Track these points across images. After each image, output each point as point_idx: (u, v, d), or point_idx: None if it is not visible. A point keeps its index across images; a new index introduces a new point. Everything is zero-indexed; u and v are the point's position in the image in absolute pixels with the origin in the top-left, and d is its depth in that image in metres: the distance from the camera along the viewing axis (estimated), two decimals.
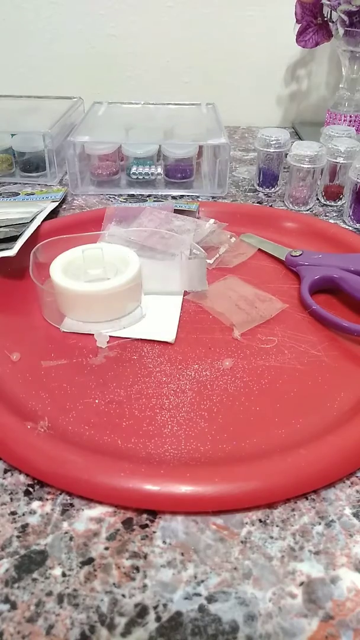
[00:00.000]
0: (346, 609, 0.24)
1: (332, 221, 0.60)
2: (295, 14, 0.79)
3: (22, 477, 0.30)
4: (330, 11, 0.78)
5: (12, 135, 0.70)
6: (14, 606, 0.24)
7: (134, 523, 0.28)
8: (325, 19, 0.79)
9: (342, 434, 0.31)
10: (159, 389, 0.36)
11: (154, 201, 0.63)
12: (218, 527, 0.28)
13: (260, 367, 0.38)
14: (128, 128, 0.71)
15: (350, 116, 0.80)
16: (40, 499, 0.29)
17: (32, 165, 0.71)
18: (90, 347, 0.40)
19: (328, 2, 0.75)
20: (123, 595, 0.25)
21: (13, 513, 0.28)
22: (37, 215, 0.55)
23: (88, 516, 0.28)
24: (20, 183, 0.71)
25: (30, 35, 0.91)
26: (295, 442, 0.31)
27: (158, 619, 0.24)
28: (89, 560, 0.26)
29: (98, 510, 0.29)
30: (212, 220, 0.55)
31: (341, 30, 0.74)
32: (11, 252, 0.46)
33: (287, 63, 0.95)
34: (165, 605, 0.24)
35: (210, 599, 0.25)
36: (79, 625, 0.24)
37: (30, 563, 0.26)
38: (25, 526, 0.28)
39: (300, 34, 0.81)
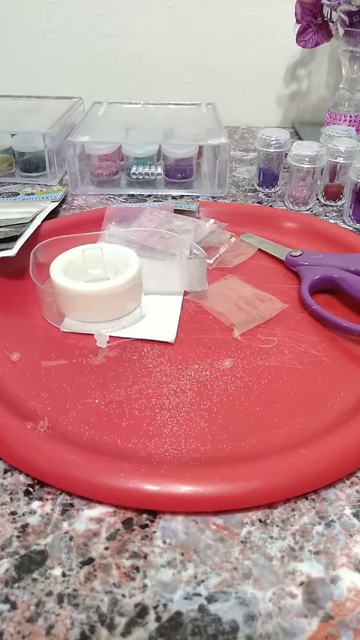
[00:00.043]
0: (346, 609, 0.24)
1: (332, 221, 0.60)
2: (295, 14, 0.79)
3: (22, 477, 0.30)
4: (330, 11, 0.78)
5: (12, 135, 0.70)
6: (14, 606, 0.24)
7: (134, 523, 0.28)
8: (325, 19, 0.79)
9: (342, 434, 0.31)
10: (159, 389, 0.36)
11: (154, 201, 0.63)
12: (218, 527, 0.28)
13: (260, 367, 0.38)
14: (128, 128, 0.71)
15: (350, 116, 0.80)
16: (40, 499, 0.29)
17: (32, 165, 0.71)
18: (90, 347, 0.40)
19: (328, 2, 0.75)
20: (123, 595, 0.25)
21: (13, 513, 0.28)
22: (37, 215, 0.55)
23: (88, 516, 0.28)
24: (20, 183, 0.71)
25: (30, 35, 0.91)
26: (295, 442, 0.31)
27: (158, 619, 0.24)
28: (89, 560, 0.26)
29: (98, 510, 0.29)
30: (212, 220, 0.55)
31: (341, 30, 0.74)
32: (11, 252, 0.46)
33: (287, 63, 0.95)
34: (165, 605, 0.24)
35: (210, 599, 0.25)
36: (79, 625, 0.24)
37: (30, 563, 0.26)
38: (25, 526, 0.28)
39: (300, 34, 0.81)
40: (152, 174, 0.68)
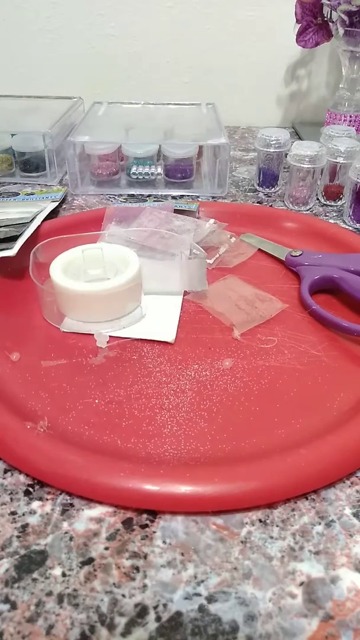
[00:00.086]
0: (346, 609, 0.24)
1: (332, 221, 0.60)
2: (295, 14, 0.79)
3: (22, 477, 0.30)
4: (330, 11, 0.78)
5: (12, 135, 0.70)
6: (14, 606, 0.24)
7: (134, 523, 0.28)
8: (325, 19, 0.79)
9: (342, 434, 0.31)
10: (159, 389, 0.36)
11: (154, 201, 0.63)
12: (218, 527, 0.28)
13: (260, 367, 0.38)
14: (128, 128, 0.71)
15: (350, 116, 0.80)
16: (40, 499, 0.29)
17: (32, 165, 0.71)
18: (90, 347, 0.40)
19: (328, 2, 0.75)
20: (123, 595, 0.25)
21: (13, 513, 0.28)
22: (37, 215, 0.55)
23: (88, 516, 0.28)
24: (20, 183, 0.71)
25: (30, 35, 0.91)
26: (295, 442, 0.31)
27: (158, 619, 0.24)
28: (89, 560, 0.26)
29: (98, 510, 0.29)
30: (212, 220, 0.55)
31: (341, 30, 0.74)
32: (11, 252, 0.46)
33: (287, 63, 0.95)
34: (165, 605, 0.24)
35: (210, 599, 0.25)
36: (79, 625, 0.24)
37: (30, 563, 0.26)
38: (25, 526, 0.28)
39: (300, 34, 0.81)
40: (152, 174, 0.68)
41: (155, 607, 0.24)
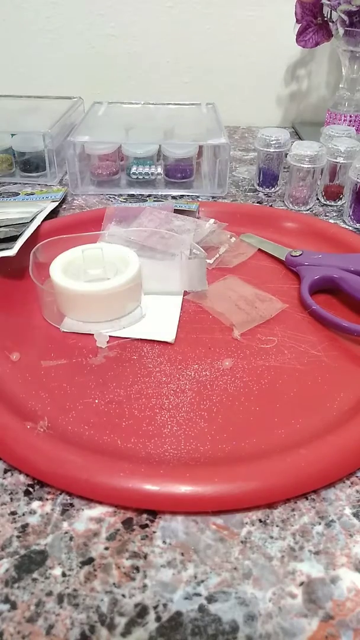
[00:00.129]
0: (346, 609, 0.24)
1: (332, 221, 0.60)
2: (295, 14, 0.79)
3: (22, 477, 0.30)
4: (330, 11, 0.78)
5: (12, 135, 0.70)
6: (14, 606, 0.24)
7: (134, 523, 0.28)
8: (325, 19, 0.79)
9: (342, 434, 0.31)
10: (159, 389, 0.36)
11: (154, 201, 0.63)
12: (218, 527, 0.28)
13: (260, 367, 0.38)
14: (128, 128, 0.71)
15: (350, 116, 0.80)
16: (40, 499, 0.29)
17: (32, 165, 0.71)
18: (90, 347, 0.40)
19: (328, 2, 0.75)
20: (123, 595, 0.25)
21: (13, 513, 0.28)
22: (37, 215, 0.55)
23: (88, 516, 0.28)
24: (20, 183, 0.71)
25: (30, 35, 0.91)
26: (295, 442, 0.31)
27: (158, 619, 0.24)
28: (89, 560, 0.26)
29: (98, 510, 0.29)
30: (212, 220, 0.55)
31: (341, 30, 0.74)
32: (11, 252, 0.46)
33: (287, 63, 0.95)
34: (165, 605, 0.24)
35: (210, 599, 0.25)
36: (79, 625, 0.24)
37: (30, 563, 0.26)
38: (25, 526, 0.28)
39: (300, 34, 0.81)
40: (152, 173, 0.68)
41: (155, 607, 0.24)
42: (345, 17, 0.72)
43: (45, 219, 0.55)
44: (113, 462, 0.30)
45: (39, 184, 0.70)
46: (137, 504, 0.29)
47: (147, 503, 0.28)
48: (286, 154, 0.62)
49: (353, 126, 0.80)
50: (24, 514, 0.28)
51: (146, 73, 0.95)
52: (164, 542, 0.27)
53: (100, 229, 0.53)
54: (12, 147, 0.70)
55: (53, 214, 0.59)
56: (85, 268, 0.44)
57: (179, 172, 0.68)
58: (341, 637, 0.23)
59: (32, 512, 0.29)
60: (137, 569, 0.26)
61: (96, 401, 0.35)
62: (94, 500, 0.29)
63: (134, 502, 0.28)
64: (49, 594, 0.25)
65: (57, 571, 0.26)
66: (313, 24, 0.80)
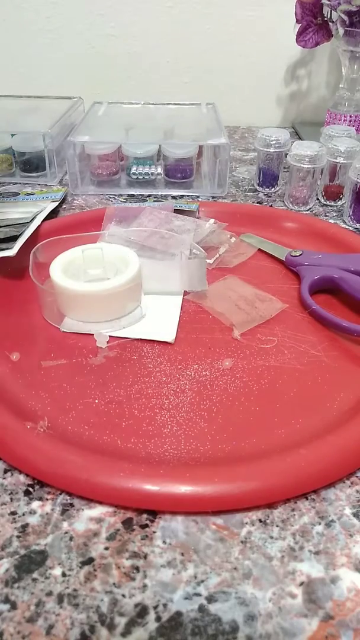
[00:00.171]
0: (346, 609, 0.24)
1: (332, 221, 0.60)
2: (295, 14, 0.79)
3: (22, 477, 0.30)
4: (330, 11, 0.78)
5: (12, 135, 0.70)
6: (14, 606, 0.24)
7: (134, 523, 0.28)
8: (325, 19, 0.79)
9: (342, 434, 0.31)
10: (159, 389, 0.36)
11: (154, 201, 0.63)
12: (218, 527, 0.28)
13: (260, 367, 0.38)
14: (128, 128, 0.71)
15: (350, 116, 0.80)
16: (40, 499, 0.29)
17: (32, 165, 0.71)
18: (90, 347, 0.40)
19: (328, 2, 0.75)
20: (123, 595, 0.25)
21: (13, 513, 0.28)
22: (37, 215, 0.55)
23: (88, 516, 0.28)
24: (20, 183, 0.71)
25: (30, 35, 0.91)
26: (295, 442, 0.31)
27: (158, 619, 0.24)
28: (89, 560, 0.26)
29: (98, 510, 0.29)
30: (212, 220, 0.55)
31: (341, 30, 0.74)
32: (11, 252, 0.46)
33: (287, 63, 0.95)
34: (165, 605, 0.24)
35: (210, 599, 0.25)
36: (79, 625, 0.24)
37: (30, 563, 0.26)
38: (25, 526, 0.28)
39: (300, 34, 0.81)
40: (152, 174, 0.68)
41: (155, 607, 0.24)
42: (345, 17, 0.72)
43: (45, 219, 0.55)
44: (113, 462, 0.30)
45: (39, 184, 0.70)
46: (137, 504, 0.29)
47: (147, 503, 0.28)
48: (286, 154, 0.62)
49: (353, 126, 0.80)
50: (24, 514, 0.28)
51: (146, 73, 0.95)
52: (164, 542, 0.27)
53: (100, 229, 0.53)
54: (12, 147, 0.70)
55: (53, 214, 0.59)
56: (85, 268, 0.44)
57: (179, 172, 0.68)
58: (341, 637, 0.23)
59: (32, 512, 0.29)
60: (137, 569, 0.26)
61: (96, 401, 0.35)
62: (94, 500, 0.29)
63: (134, 502, 0.28)
64: (49, 594, 0.25)
65: (57, 571, 0.26)
66: (313, 24, 0.80)
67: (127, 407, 0.35)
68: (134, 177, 0.68)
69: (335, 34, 0.76)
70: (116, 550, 0.27)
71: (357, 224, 0.59)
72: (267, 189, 0.68)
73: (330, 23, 0.78)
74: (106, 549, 0.27)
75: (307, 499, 0.29)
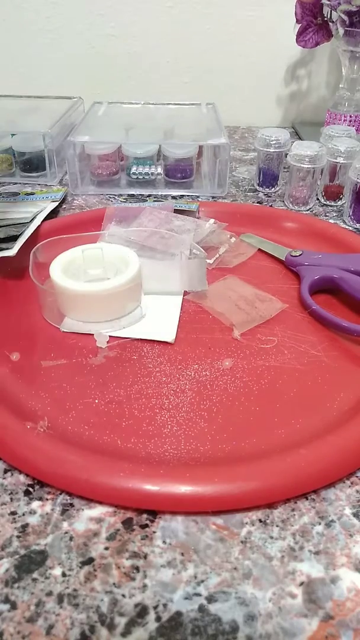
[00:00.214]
0: (346, 609, 0.24)
1: (332, 221, 0.60)
2: (295, 14, 0.79)
3: (22, 477, 0.30)
4: (330, 11, 0.78)
5: (12, 135, 0.70)
6: (14, 606, 0.24)
7: (134, 523, 0.28)
8: (325, 19, 0.79)
9: (342, 434, 0.31)
10: (159, 389, 0.36)
11: (154, 201, 0.63)
12: (218, 527, 0.28)
13: (260, 367, 0.38)
14: (128, 128, 0.71)
15: (350, 116, 0.80)
16: (40, 499, 0.29)
17: (32, 165, 0.71)
18: (90, 347, 0.40)
19: (328, 2, 0.75)
20: (123, 595, 0.25)
21: (13, 513, 0.28)
22: (37, 215, 0.55)
23: (88, 516, 0.28)
24: (20, 183, 0.71)
25: (30, 35, 0.91)
26: (295, 442, 0.31)
27: (158, 619, 0.24)
28: (89, 560, 0.26)
29: (98, 510, 0.29)
30: (212, 220, 0.55)
31: (341, 30, 0.74)
32: (11, 252, 0.46)
33: (287, 63, 0.95)
34: (165, 605, 0.24)
35: (210, 599, 0.25)
36: (79, 625, 0.24)
37: (30, 563, 0.26)
38: (25, 526, 0.28)
39: (300, 34, 0.81)
40: (152, 174, 0.68)
41: (155, 607, 0.24)
42: (345, 17, 0.72)
43: (45, 219, 0.55)
44: (113, 462, 0.30)
45: (39, 184, 0.70)
46: (137, 504, 0.29)
47: (147, 503, 0.28)
48: (286, 154, 0.62)
49: (353, 126, 0.80)
50: (24, 514, 0.28)
51: (146, 73, 0.95)
52: (164, 542, 0.27)
53: (100, 229, 0.53)
54: (12, 147, 0.70)
55: (53, 214, 0.59)
56: (85, 268, 0.44)
57: (179, 172, 0.68)
58: (341, 637, 0.23)
59: (32, 512, 0.29)
60: (137, 569, 0.26)
61: (96, 401, 0.35)
62: (94, 500, 0.29)
63: (134, 502, 0.28)
64: (49, 594, 0.25)
65: (57, 571, 0.26)
66: (313, 24, 0.80)
67: (127, 407, 0.35)
68: (134, 177, 0.68)
69: (335, 34, 0.76)
70: (116, 550, 0.27)
71: (357, 224, 0.59)
72: (267, 189, 0.68)
73: (330, 23, 0.78)
74: (106, 549, 0.27)
75: (307, 499, 0.29)
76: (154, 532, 0.28)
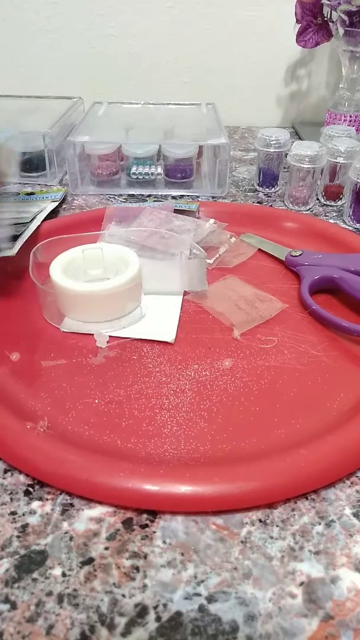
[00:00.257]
0: (346, 609, 0.24)
1: (332, 221, 0.60)
2: (295, 14, 0.79)
3: (22, 477, 0.30)
4: (330, 11, 0.78)
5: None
6: (14, 606, 0.24)
7: (134, 523, 0.28)
8: (325, 19, 0.79)
9: (342, 434, 0.31)
10: (159, 389, 0.36)
11: (154, 201, 0.63)
12: (218, 527, 0.28)
13: (260, 367, 0.38)
14: (128, 128, 0.71)
15: (350, 116, 0.80)
16: (40, 499, 0.29)
17: (32, 165, 0.71)
18: (90, 347, 0.40)
19: (328, 2, 0.75)
20: (123, 595, 0.25)
21: (13, 513, 0.28)
22: (37, 215, 0.55)
23: (88, 516, 0.28)
24: (20, 183, 0.71)
25: (30, 35, 0.91)
26: (295, 442, 0.31)
27: (158, 619, 0.24)
28: (89, 560, 0.26)
29: (98, 510, 0.29)
30: (212, 220, 0.55)
31: (341, 30, 0.74)
32: (11, 252, 0.46)
33: (287, 63, 0.95)
34: (165, 605, 0.24)
35: (210, 599, 0.25)
36: (79, 625, 0.24)
37: (30, 563, 0.26)
38: (25, 526, 0.28)
39: (300, 34, 0.81)
40: (152, 174, 0.68)
41: (155, 607, 0.24)
42: (345, 17, 0.72)
43: (45, 219, 0.55)
44: (113, 462, 0.30)
45: (39, 184, 0.70)
46: (137, 504, 0.29)
47: (147, 503, 0.28)
48: (286, 154, 0.62)
49: (353, 126, 0.80)
50: (24, 514, 0.28)
51: (146, 73, 0.95)
52: (164, 542, 0.27)
53: (100, 229, 0.53)
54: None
55: (53, 214, 0.59)
56: (85, 268, 0.44)
57: (179, 172, 0.68)
58: (341, 637, 0.23)
59: (32, 512, 0.29)
60: (137, 569, 0.26)
61: (96, 401, 0.35)
62: (94, 500, 0.29)
63: (134, 502, 0.28)
64: (49, 594, 0.25)
65: (57, 571, 0.26)
66: (313, 24, 0.80)
67: (127, 407, 0.35)
68: (134, 177, 0.68)
69: (335, 34, 0.76)
70: (116, 550, 0.27)
71: (357, 224, 0.59)
72: (267, 189, 0.68)
73: (330, 23, 0.78)
74: (106, 549, 0.27)
75: (307, 499, 0.29)
76: (154, 532, 0.28)
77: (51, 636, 0.23)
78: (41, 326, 0.43)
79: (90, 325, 0.41)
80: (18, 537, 0.27)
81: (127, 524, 0.28)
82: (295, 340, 0.41)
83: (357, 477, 0.31)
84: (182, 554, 0.27)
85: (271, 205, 0.65)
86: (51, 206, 0.58)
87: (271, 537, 0.27)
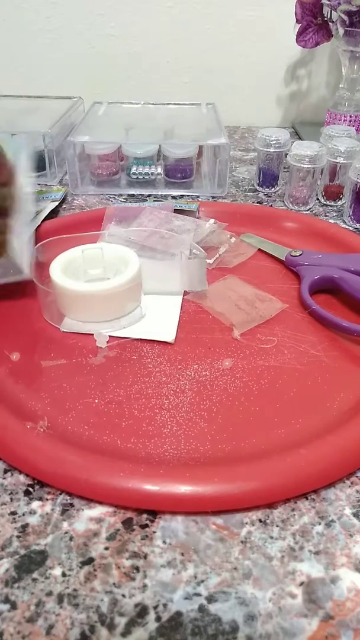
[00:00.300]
0: (346, 609, 0.24)
1: (332, 221, 0.60)
2: (295, 14, 0.79)
3: (22, 477, 0.30)
4: (330, 11, 0.78)
5: (12, 135, 0.70)
6: (14, 606, 0.24)
7: (134, 523, 0.28)
8: (325, 19, 0.79)
9: (342, 434, 0.31)
10: (159, 389, 0.36)
11: (154, 201, 0.63)
12: (218, 527, 0.28)
13: (260, 367, 0.38)
14: (128, 128, 0.71)
15: (350, 116, 0.80)
16: (40, 499, 0.29)
17: (32, 165, 0.71)
18: (90, 347, 0.40)
19: (328, 2, 0.75)
20: (123, 595, 0.25)
21: (13, 513, 0.28)
22: (37, 215, 0.55)
23: (88, 516, 0.28)
24: None
25: (30, 35, 0.91)
26: (295, 442, 0.31)
27: (158, 619, 0.24)
28: (89, 560, 0.26)
29: (98, 510, 0.29)
30: (212, 220, 0.55)
31: (341, 30, 0.74)
32: (29, 275, 0.46)
33: (287, 63, 0.95)
34: (165, 605, 0.24)
35: (210, 599, 0.25)
36: (79, 625, 0.24)
37: (30, 563, 0.26)
38: (25, 526, 0.28)
39: (300, 34, 0.81)
40: (152, 173, 0.68)
41: (155, 607, 0.24)
42: (345, 17, 0.72)
43: (45, 219, 0.55)
44: (113, 462, 0.30)
45: (39, 184, 0.70)
46: (137, 504, 0.29)
47: (147, 503, 0.28)
48: (286, 154, 0.62)
49: (353, 126, 0.80)
50: (24, 514, 0.28)
51: (146, 73, 0.95)
52: (164, 542, 0.27)
53: (100, 229, 0.53)
54: None
55: (53, 214, 0.59)
56: (85, 268, 0.44)
57: (179, 172, 0.68)
58: (341, 637, 0.23)
59: (32, 512, 0.29)
60: (137, 569, 0.26)
61: (96, 401, 0.35)
62: (94, 500, 0.29)
63: (134, 502, 0.28)
64: (49, 594, 0.25)
65: (57, 571, 0.26)
66: (313, 24, 0.80)
67: (127, 407, 0.35)
68: (134, 177, 0.68)
69: (335, 34, 0.76)
70: (116, 550, 0.27)
71: (357, 224, 0.59)
72: (267, 189, 0.68)
73: (330, 23, 0.78)
74: (106, 549, 0.27)
75: (307, 499, 0.29)
76: (154, 532, 0.28)
77: (51, 636, 0.23)
78: (41, 326, 0.43)
79: (90, 325, 0.41)
80: (18, 537, 0.27)
81: (127, 524, 0.28)
82: (295, 340, 0.41)
83: (357, 477, 0.31)
84: (182, 554, 0.27)
85: (271, 205, 0.65)
86: (51, 206, 0.58)
87: (271, 537, 0.27)
